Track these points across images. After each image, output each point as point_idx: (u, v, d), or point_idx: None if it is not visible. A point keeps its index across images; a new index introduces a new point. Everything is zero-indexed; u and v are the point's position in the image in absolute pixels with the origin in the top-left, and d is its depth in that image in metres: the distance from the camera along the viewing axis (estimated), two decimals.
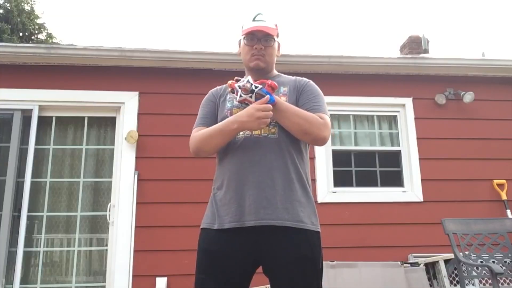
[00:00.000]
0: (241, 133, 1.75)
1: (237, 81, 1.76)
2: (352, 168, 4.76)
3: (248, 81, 1.72)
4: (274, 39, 1.88)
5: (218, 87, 1.98)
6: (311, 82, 1.94)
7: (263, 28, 1.84)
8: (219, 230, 1.70)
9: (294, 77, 1.97)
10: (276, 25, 1.91)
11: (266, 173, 1.70)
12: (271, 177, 1.70)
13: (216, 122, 1.81)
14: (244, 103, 1.75)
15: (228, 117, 1.77)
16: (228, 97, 1.87)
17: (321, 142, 1.78)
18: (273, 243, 1.66)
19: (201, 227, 1.79)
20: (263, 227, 1.65)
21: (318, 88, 1.92)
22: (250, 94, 1.70)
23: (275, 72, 1.97)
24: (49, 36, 14.03)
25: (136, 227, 4.18)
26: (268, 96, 1.69)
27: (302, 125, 1.72)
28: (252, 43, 1.86)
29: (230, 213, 1.69)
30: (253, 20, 1.88)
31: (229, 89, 1.79)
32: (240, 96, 1.71)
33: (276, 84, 1.75)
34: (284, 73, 2.02)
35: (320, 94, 1.90)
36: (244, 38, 1.88)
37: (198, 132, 1.81)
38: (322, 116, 1.78)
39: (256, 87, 1.70)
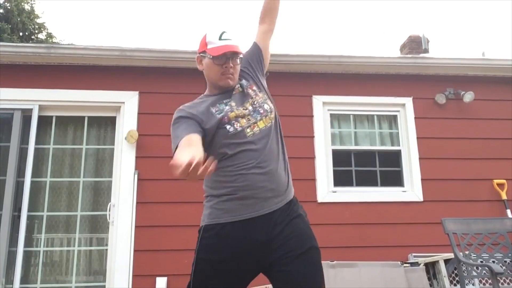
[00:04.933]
0: (249, 131, 1.77)
1: None
2: (352, 168, 4.76)
3: None
4: (241, 57, 1.90)
5: (186, 104, 1.91)
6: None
7: (234, 48, 1.83)
8: (234, 222, 1.69)
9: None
10: (240, 43, 1.91)
11: (275, 161, 1.79)
12: (278, 166, 1.79)
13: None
14: None
15: (226, 122, 1.78)
16: (214, 110, 1.82)
17: None
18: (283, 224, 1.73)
19: (208, 223, 1.75)
20: (275, 211, 1.73)
21: None
22: None
23: None
24: (49, 36, 14.02)
25: (136, 227, 4.18)
26: None
27: None
28: (221, 62, 1.83)
29: (250, 205, 1.70)
30: (220, 39, 1.85)
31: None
32: None
33: None
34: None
35: None
36: (212, 57, 1.84)
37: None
38: None
39: None
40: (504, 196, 4.62)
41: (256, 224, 1.69)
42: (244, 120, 1.80)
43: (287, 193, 1.79)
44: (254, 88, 1.93)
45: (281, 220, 1.72)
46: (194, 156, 1.33)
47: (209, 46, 1.86)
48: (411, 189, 4.65)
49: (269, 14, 2.08)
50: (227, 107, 1.81)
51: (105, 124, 4.60)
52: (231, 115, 1.80)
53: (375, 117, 4.91)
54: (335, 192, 4.56)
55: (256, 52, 2.02)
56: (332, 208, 4.44)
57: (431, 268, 4.23)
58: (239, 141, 1.75)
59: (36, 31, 13.78)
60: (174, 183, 4.34)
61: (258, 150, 1.74)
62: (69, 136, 4.55)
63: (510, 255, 3.58)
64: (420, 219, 4.50)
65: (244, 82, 1.93)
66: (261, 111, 1.84)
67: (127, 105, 4.49)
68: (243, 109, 1.83)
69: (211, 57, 1.84)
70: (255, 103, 1.86)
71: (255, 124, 1.80)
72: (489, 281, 4.03)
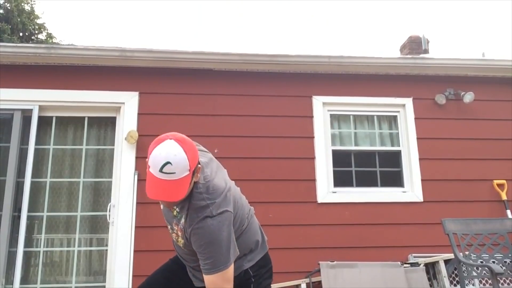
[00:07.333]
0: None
1: None
2: (352, 168, 4.76)
3: None
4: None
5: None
6: (197, 229, 1.76)
7: (163, 197, 1.68)
8: None
9: (196, 211, 1.78)
10: (189, 168, 1.66)
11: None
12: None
13: None
14: None
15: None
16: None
17: None
18: None
19: None
20: None
21: (206, 236, 1.74)
22: None
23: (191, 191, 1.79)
24: (49, 36, 14.03)
25: (136, 227, 4.18)
26: None
27: None
28: None
29: None
30: (160, 170, 1.63)
31: None
32: None
33: None
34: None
35: (207, 244, 1.74)
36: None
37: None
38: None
39: None
40: (504, 197, 4.62)
41: None
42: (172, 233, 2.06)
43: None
44: (179, 233, 1.94)
45: None
46: None
47: (149, 169, 1.68)
48: (411, 190, 4.65)
49: None
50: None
51: (105, 125, 4.60)
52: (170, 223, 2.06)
53: (375, 117, 4.91)
54: (335, 192, 4.56)
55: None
56: (332, 209, 4.44)
57: (431, 269, 4.23)
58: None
59: (36, 32, 13.79)
60: None
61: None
62: (69, 136, 4.55)
63: (510, 255, 3.58)
64: (420, 220, 4.50)
65: (182, 220, 1.88)
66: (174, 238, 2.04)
67: (127, 106, 4.49)
68: (170, 227, 2.05)
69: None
70: (173, 232, 2.02)
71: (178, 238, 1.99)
72: (489, 281, 4.03)
